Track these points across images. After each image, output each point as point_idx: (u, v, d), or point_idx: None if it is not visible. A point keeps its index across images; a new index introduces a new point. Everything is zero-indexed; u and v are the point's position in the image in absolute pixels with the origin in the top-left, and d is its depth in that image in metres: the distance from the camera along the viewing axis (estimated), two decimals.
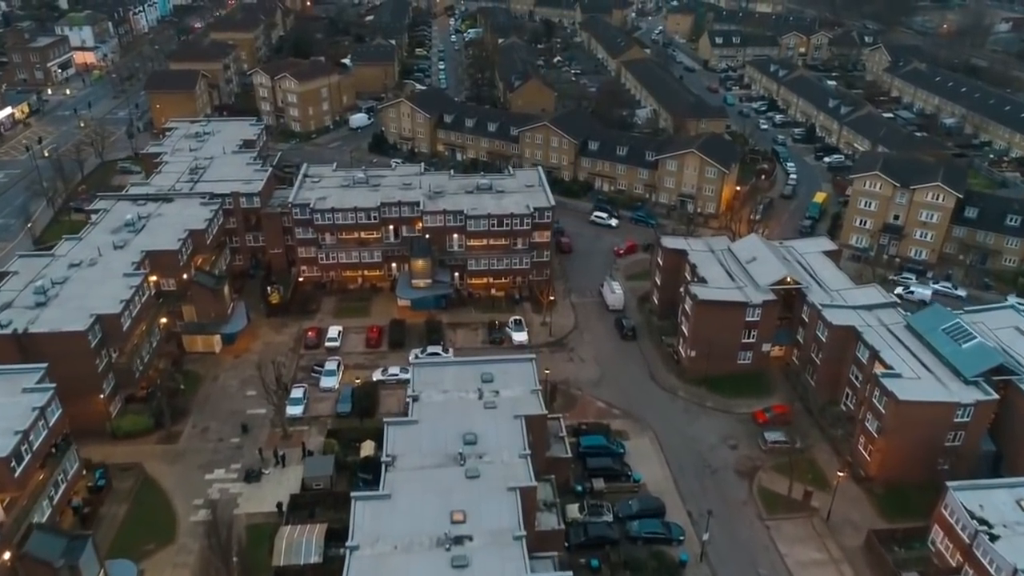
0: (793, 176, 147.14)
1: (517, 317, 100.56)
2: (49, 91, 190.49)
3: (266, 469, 75.62)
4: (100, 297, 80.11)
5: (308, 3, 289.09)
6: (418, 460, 63.18)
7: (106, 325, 77.54)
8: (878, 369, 76.59)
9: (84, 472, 71.39)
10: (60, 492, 66.68)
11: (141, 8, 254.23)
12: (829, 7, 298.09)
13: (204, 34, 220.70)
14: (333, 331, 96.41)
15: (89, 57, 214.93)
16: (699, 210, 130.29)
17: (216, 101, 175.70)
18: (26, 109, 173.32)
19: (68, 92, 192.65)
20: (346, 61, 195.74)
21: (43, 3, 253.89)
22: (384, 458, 63.03)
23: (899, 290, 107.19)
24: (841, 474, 72.64)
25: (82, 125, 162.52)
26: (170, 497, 72.25)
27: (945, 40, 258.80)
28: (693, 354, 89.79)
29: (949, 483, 65.07)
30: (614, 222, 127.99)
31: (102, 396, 77.52)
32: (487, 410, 68.85)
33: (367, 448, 75.10)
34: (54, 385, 67.16)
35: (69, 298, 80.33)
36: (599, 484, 74.02)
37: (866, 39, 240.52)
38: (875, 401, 74.14)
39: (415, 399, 70.07)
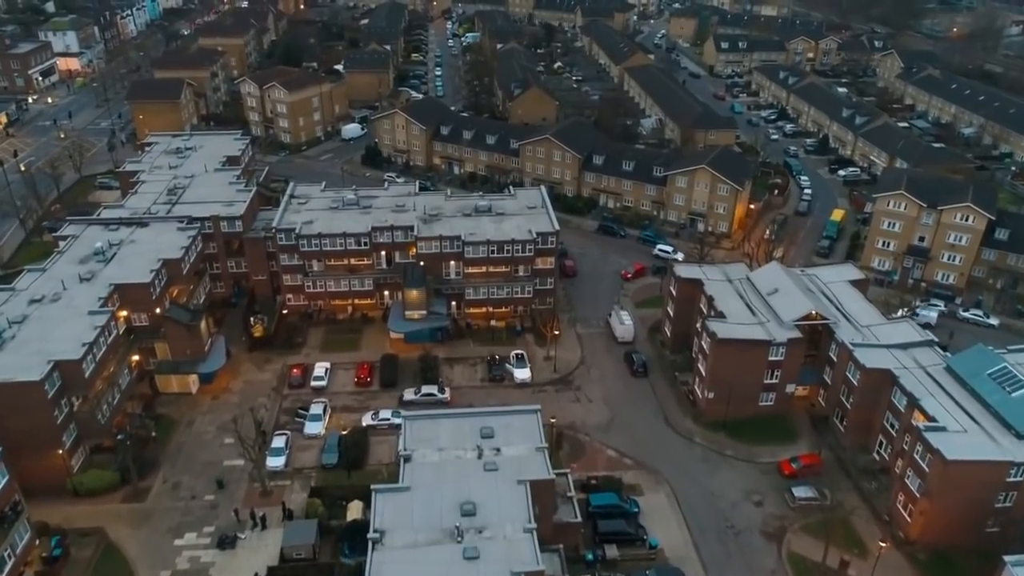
0: (808, 191, 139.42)
1: (519, 351, 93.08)
2: (30, 99, 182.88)
3: (242, 533, 68.20)
4: (60, 339, 72.63)
5: (301, 6, 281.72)
6: (410, 536, 56.08)
7: (66, 372, 70.02)
8: (918, 420, 69.38)
9: (37, 541, 64.08)
10: (8, 569, 59.50)
11: (129, 12, 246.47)
12: (836, 10, 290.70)
13: (192, 40, 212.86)
14: (319, 369, 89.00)
15: (73, 63, 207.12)
16: (711, 229, 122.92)
17: (203, 111, 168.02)
18: (4, 119, 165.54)
19: (50, 100, 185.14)
20: (339, 67, 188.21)
21: (28, 7, 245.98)
22: (372, 534, 55.86)
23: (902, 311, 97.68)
24: (884, 544, 65.24)
25: (61, 136, 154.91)
26: (134, 568, 64.76)
27: (956, 44, 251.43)
28: (711, 396, 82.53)
29: (1007, 557, 57.79)
30: (680, 256, 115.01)
31: (61, 451, 70.03)
32: (487, 472, 61.90)
33: (355, 510, 67.85)
34: None
35: (26, 340, 72.81)
36: (612, 552, 66.48)
37: (875, 43, 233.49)
38: (917, 457, 66.87)
39: (407, 459, 62.98)
